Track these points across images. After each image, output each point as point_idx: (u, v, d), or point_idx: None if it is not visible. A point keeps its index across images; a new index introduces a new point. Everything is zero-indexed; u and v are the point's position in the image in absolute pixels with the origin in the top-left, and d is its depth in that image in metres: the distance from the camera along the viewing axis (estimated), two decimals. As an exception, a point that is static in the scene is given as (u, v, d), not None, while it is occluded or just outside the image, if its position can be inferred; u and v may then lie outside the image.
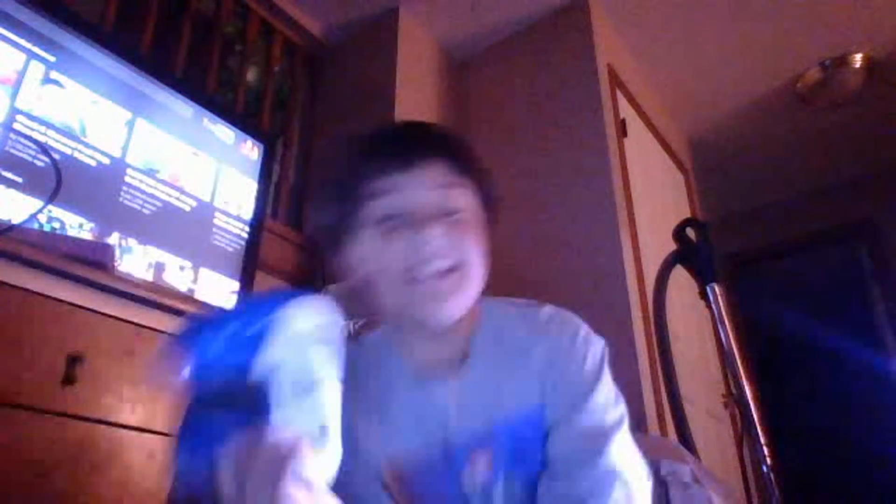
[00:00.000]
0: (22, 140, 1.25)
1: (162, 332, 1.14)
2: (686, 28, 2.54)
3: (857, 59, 2.69)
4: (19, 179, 1.23)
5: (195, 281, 1.52)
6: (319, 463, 0.45)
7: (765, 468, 1.02)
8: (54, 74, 1.36)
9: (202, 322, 0.48)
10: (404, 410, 0.67)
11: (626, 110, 2.36)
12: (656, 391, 1.81)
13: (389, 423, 0.66)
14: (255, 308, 0.48)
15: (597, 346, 0.68)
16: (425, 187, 0.62)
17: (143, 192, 1.46)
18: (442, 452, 0.64)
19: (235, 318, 0.47)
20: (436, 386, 0.66)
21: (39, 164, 1.26)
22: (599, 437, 0.62)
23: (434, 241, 0.60)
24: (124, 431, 1.03)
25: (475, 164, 0.68)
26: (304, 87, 2.61)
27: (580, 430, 0.63)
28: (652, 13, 2.47)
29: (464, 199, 0.65)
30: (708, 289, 1.16)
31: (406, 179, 0.62)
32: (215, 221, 1.62)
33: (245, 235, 1.69)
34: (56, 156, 1.29)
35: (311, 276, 2.16)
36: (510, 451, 0.64)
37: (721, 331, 1.14)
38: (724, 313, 1.14)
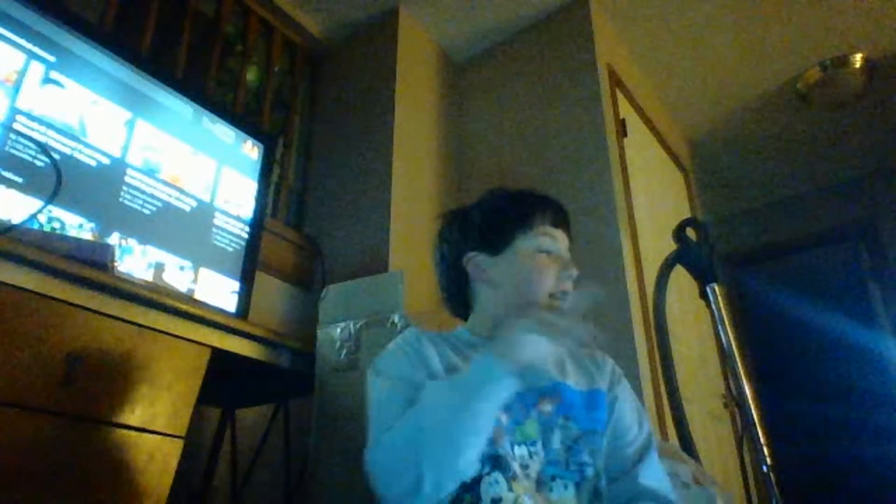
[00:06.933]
0: (22, 140, 1.25)
1: (162, 332, 1.14)
2: (686, 28, 2.54)
3: (857, 59, 2.70)
4: (19, 179, 1.23)
5: (195, 281, 1.52)
6: None
7: (765, 468, 1.02)
8: (54, 74, 1.36)
9: None
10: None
11: (626, 110, 2.36)
12: (656, 391, 1.81)
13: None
14: None
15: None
16: (566, 244, 0.93)
17: (143, 192, 1.46)
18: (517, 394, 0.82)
19: None
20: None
21: (39, 164, 1.26)
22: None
23: (573, 278, 0.89)
24: (124, 431, 1.03)
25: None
26: (304, 87, 2.61)
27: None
28: (652, 13, 2.47)
29: None
30: (708, 289, 1.16)
31: (561, 234, 0.92)
32: (215, 221, 1.62)
33: (245, 235, 1.69)
34: (56, 156, 1.29)
35: (310, 276, 2.16)
36: (569, 405, 0.84)
37: (721, 331, 1.13)
38: (723, 313, 1.14)
